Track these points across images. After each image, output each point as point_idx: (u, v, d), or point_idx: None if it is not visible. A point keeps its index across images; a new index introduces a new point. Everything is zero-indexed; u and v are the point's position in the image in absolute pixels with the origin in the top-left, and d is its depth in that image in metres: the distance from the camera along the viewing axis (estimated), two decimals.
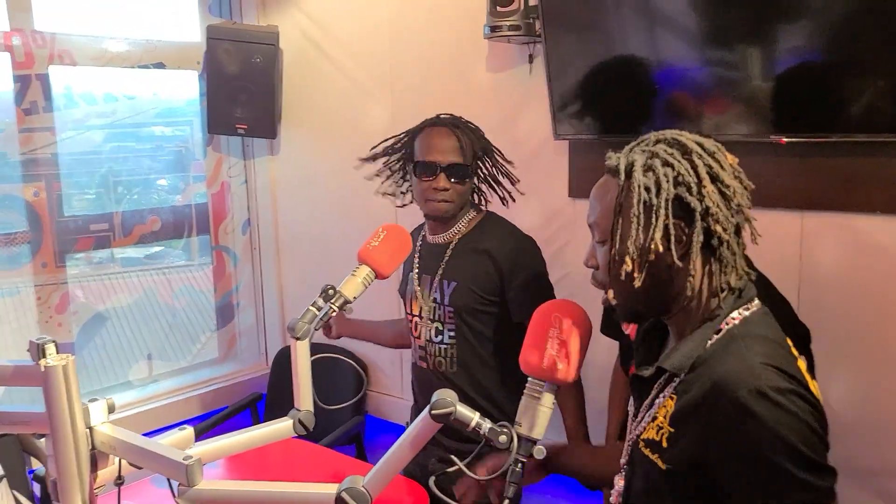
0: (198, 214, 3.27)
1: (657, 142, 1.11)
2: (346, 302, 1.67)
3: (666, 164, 1.06)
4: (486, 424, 1.12)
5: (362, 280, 1.69)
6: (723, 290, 1.09)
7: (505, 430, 1.11)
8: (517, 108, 2.45)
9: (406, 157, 2.03)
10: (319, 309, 1.67)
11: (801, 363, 1.07)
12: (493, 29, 2.27)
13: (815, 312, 1.89)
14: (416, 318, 2.05)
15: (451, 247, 1.99)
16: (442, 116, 2.01)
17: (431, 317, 2.01)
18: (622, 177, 1.09)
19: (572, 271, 2.32)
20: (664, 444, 1.07)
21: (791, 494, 0.95)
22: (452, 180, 1.92)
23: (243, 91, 3.02)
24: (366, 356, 3.05)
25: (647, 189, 1.06)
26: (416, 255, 2.07)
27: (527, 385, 1.14)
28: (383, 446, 3.13)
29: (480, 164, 1.98)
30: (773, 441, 0.95)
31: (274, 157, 3.28)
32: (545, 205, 2.39)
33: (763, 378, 0.97)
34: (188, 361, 3.29)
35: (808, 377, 1.04)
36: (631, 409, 1.24)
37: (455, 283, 1.97)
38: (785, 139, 1.82)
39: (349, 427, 2.81)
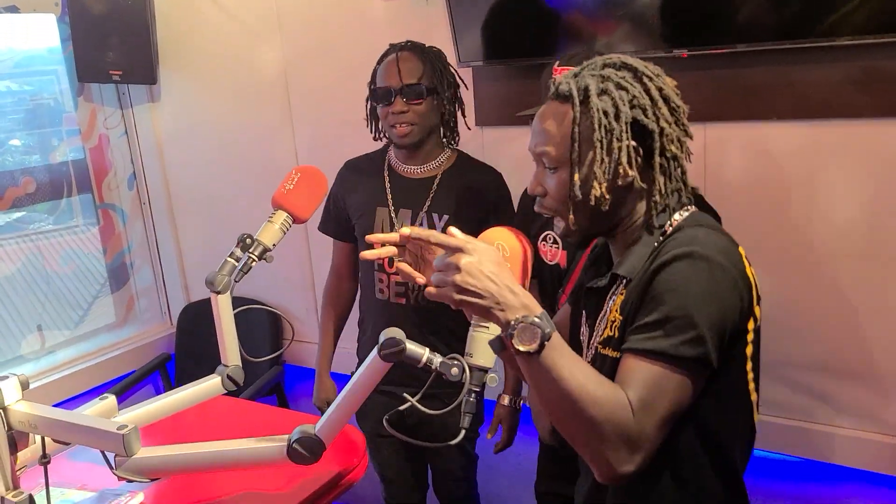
0: (76, 172, 3.01)
1: (605, 66, 1.15)
2: (266, 250, 1.60)
3: (620, 87, 1.11)
4: (437, 359, 1.11)
5: (280, 226, 1.62)
6: (669, 205, 1.15)
7: (456, 362, 1.10)
8: (416, 39, 2.37)
9: None
10: (238, 260, 1.59)
11: (742, 249, 1.14)
12: None
13: (722, 221, 1.99)
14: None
15: (436, 181, 1.99)
16: (400, 43, 1.99)
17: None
18: (576, 102, 1.11)
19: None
20: (616, 335, 1.14)
21: (673, 345, 1.03)
22: (410, 102, 1.90)
23: (114, 34, 2.77)
24: (279, 305, 2.97)
25: (606, 113, 1.10)
26: (386, 190, 2.03)
27: (474, 316, 1.13)
28: (305, 394, 3.13)
29: (439, 83, 1.94)
30: (682, 297, 1.04)
31: (155, 105, 3.05)
32: None
33: (692, 246, 1.07)
34: (84, 329, 3.08)
35: (745, 262, 1.12)
36: (584, 327, 1.28)
37: (447, 216, 1.96)
38: (686, 52, 1.86)
39: (269, 378, 2.75)
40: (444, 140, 2.03)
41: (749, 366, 1.14)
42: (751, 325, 1.12)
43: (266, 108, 2.81)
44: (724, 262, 1.07)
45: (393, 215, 2.00)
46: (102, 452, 1.17)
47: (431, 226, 1.97)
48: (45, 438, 1.22)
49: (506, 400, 2.07)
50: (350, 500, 1.87)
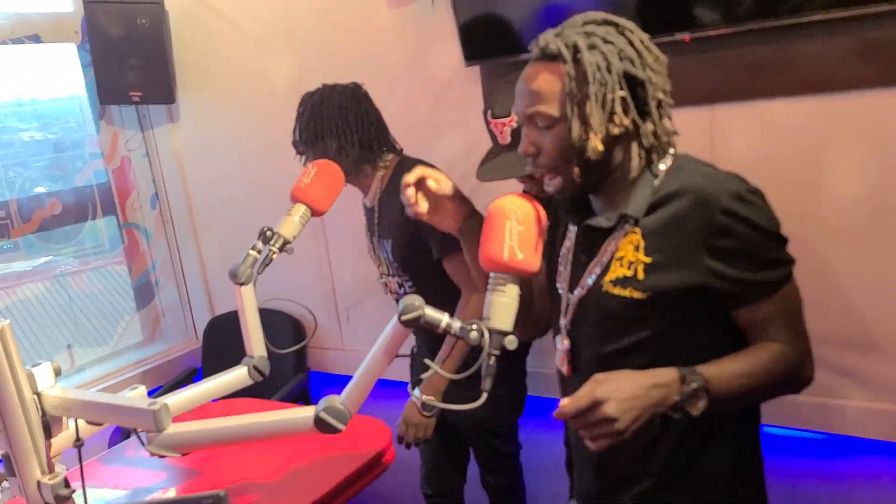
0: (101, 193, 3.10)
1: (585, 23, 1.18)
2: (286, 242, 1.65)
3: (606, 41, 1.15)
4: (456, 324, 1.13)
5: (299, 219, 1.67)
6: (662, 149, 1.20)
7: (474, 326, 1.12)
8: (424, 43, 2.44)
9: None
10: (259, 252, 1.64)
11: None
12: None
13: None
14: (385, 276, 2.12)
15: (376, 209, 2.06)
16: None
17: (390, 272, 2.08)
18: (568, 59, 1.14)
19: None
20: (640, 276, 1.18)
21: (780, 268, 1.18)
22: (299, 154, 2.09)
23: (132, 56, 2.86)
24: (300, 314, 3.00)
25: (598, 67, 1.13)
26: (364, 217, 2.15)
27: (490, 280, 1.15)
28: None
29: (308, 134, 2.05)
30: (762, 232, 1.15)
31: (175, 125, 3.14)
32: (464, 135, 2.39)
33: (734, 185, 1.15)
34: (111, 347, 3.15)
35: None
36: (565, 263, 1.32)
37: (390, 239, 2.02)
38: (689, 36, 1.89)
39: (294, 385, 2.78)
40: (370, 163, 2.04)
41: None
42: None
43: (281, 121, 2.84)
44: (755, 185, 1.17)
45: (370, 244, 2.13)
46: (134, 430, 1.21)
47: (385, 251, 2.05)
48: (79, 422, 1.25)
49: None
50: (385, 487, 1.90)
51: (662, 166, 1.21)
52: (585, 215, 1.27)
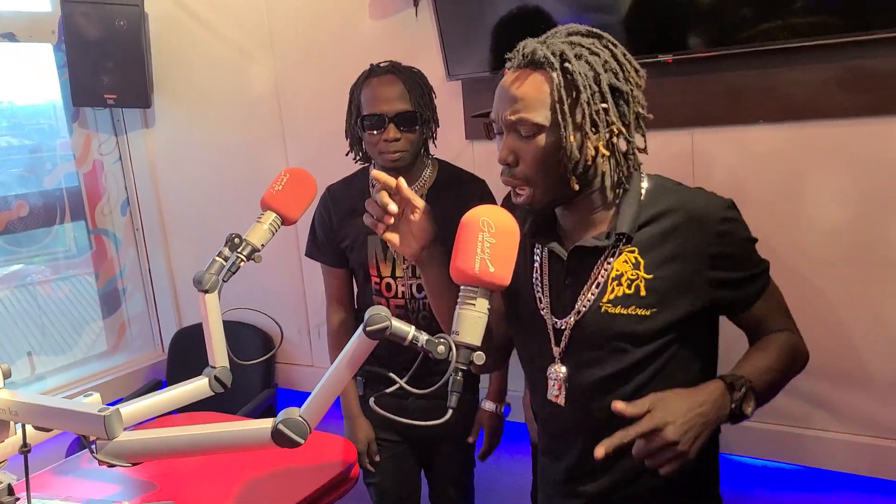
0: (70, 197, 3.03)
1: (570, 33, 1.18)
2: (255, 250, 1.59)
3: (592, 52, 1.14)
4: (423, 337, 1.09)
5: (268, 227, 1.62)
6: (639, 162, 1.22)
7: (442, 340, 1.09)
8: (406, 55, 2.38)
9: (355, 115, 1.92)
10: (226, 259, 1.59)
11: None
12: None
13: None
14: (390, 279, 1.98)
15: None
16: (381, 64, 1.92)
17: (412, 273, 1.95)
18: (556, 67, 1.13)
19: None
20: (643, 293, 1.19)
21: (764, 266, 1.28)
22: (402, 129, 1.84)
23: (109, 58, 2.81)
24: (268, 327, 2.94)
25: (587, 77, 1.13)
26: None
27: (460, 294, 1.12)
28: None
29: (426, 109, 1.90)
30: (749, 238, 1.25)
31: (149, 130, 3.08)
32: (444, 150, 2.35)
33: (720, 199, 1.22)
34: (75, 356, 3.05)
35: None
36: (540, 287, 1.29)
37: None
38: (671, 58, 1.88)
39: (261, 400, 2.71)
40: (423, 154, 1.97)
41: None
42: None
43: (258, 127, 2.83)
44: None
45: (377, 242, 1.96)
46: (84, 438, 1.15)
47: None
48: (27, 428, 1.19)
49: (487, 405, 2.06)
50: None
51: (645, 184, 1.23)
52: (550, 237, 1.26)
